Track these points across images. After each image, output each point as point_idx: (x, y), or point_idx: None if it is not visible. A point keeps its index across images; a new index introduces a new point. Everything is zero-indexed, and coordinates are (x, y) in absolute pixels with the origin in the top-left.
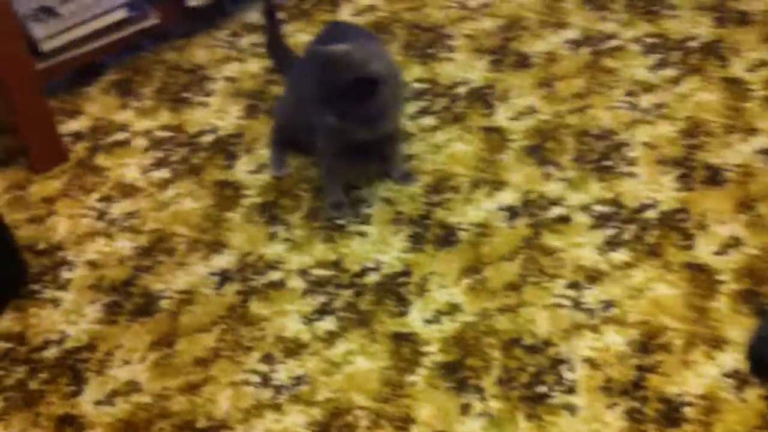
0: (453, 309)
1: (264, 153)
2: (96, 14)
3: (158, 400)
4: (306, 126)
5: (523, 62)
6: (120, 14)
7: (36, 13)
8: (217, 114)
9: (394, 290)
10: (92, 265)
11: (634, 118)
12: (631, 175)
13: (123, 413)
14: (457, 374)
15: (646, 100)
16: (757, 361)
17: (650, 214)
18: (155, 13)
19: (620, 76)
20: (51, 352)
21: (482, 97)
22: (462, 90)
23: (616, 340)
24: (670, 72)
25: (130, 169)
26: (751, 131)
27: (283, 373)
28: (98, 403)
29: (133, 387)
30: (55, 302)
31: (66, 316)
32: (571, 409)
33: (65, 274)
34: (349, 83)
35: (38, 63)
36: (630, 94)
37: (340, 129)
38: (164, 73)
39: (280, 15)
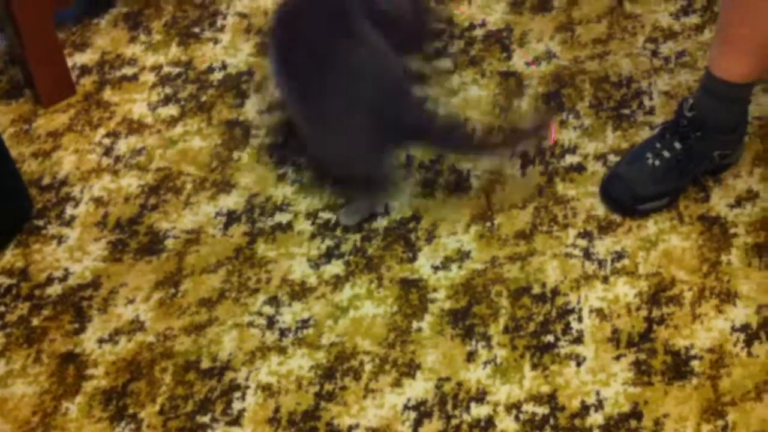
0: (462, 256)
1: (275, 93)
2: None
3: (162, 339)
4: None
5: (543, 5)
6: None
7: None
8: (227, 51)
9: (403, 235)
10: (98, 201)
11: (655, 66)
12: (648, 124)
13: (126, 352)
14: (464, 321)
15: (667, 48)
16: (611, 198)
17: None
18: None
19: (642, 22)
20: (54, 289)
21: (500, 41)
22: (479, 33)
23: (626, 291)
24: (693, 19)
25: (137, 104)
26: None
27: (288, 316)
28: (101, 341)
29: (136, 326)
30: (60, 238)
31: (70, 253)
32: (577, 359)
33: (70, 210)
34: None
35: None
36: (651, 41)
37: None
38: (174, 7)
39: None
